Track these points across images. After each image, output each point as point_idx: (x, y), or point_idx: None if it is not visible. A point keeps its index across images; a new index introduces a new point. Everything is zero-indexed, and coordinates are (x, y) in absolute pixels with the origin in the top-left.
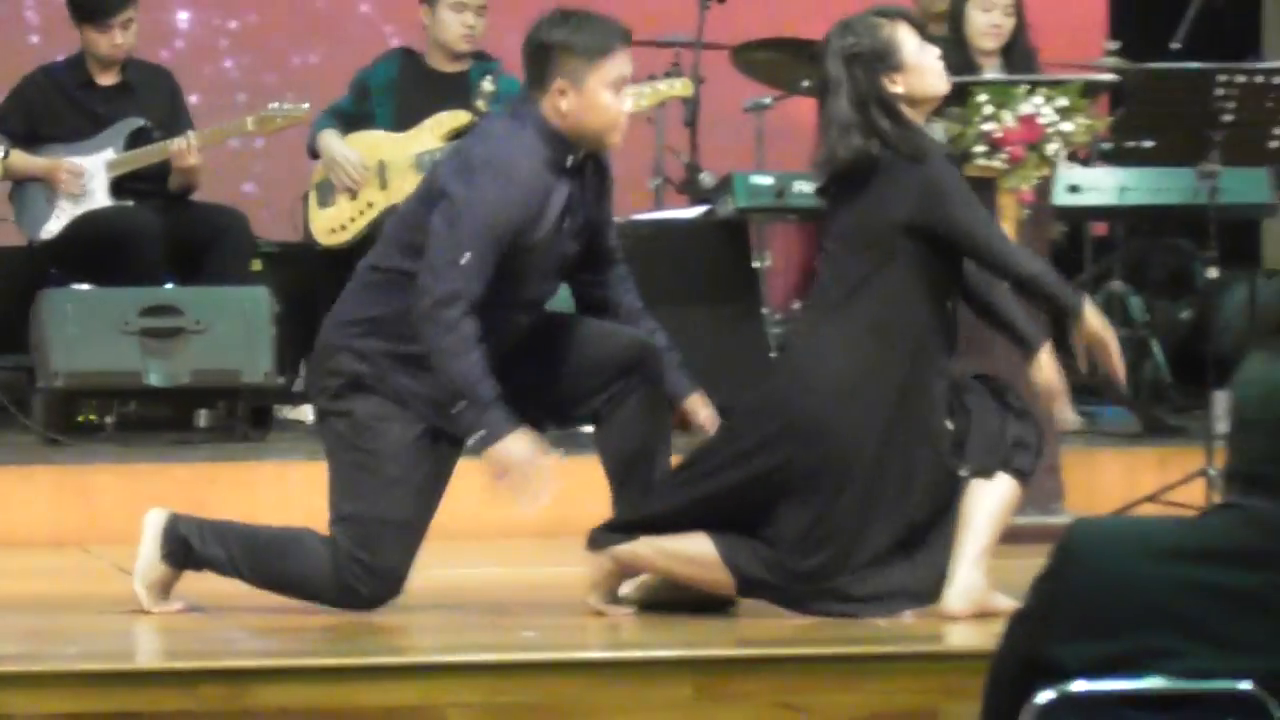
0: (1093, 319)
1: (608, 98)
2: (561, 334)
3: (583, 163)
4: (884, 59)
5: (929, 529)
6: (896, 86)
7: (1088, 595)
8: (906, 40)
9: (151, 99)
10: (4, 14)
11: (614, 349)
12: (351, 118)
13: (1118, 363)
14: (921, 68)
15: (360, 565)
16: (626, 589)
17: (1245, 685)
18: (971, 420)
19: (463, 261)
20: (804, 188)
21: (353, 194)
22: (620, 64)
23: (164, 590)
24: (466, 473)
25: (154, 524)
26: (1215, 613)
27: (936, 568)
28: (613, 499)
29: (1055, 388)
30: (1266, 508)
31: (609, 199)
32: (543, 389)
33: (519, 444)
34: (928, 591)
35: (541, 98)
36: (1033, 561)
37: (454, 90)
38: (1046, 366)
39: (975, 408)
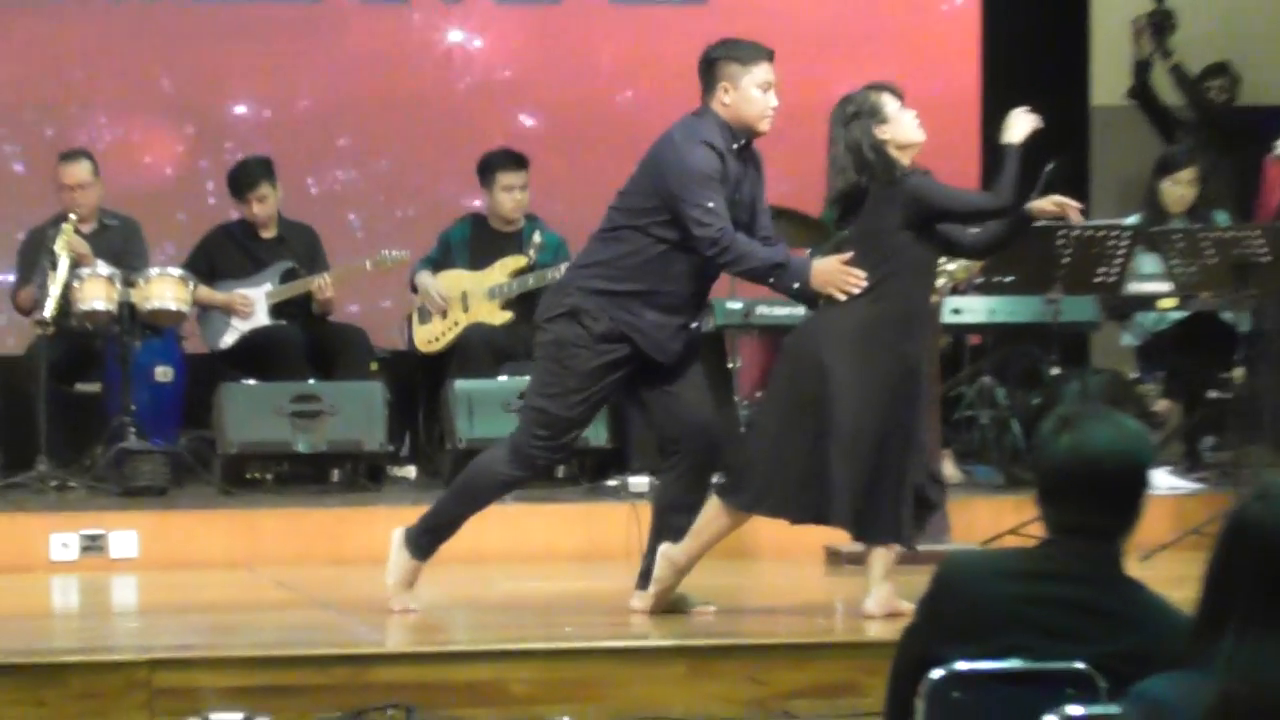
0: (1040, 203)
1: (757, 94)
2: (685, 376)
3: (745, 150)
4: (874, 114)
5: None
6: (884, 135)
7: (959, 610)
8: (889, 102)
9: (299, 247)
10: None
11: (701, 418)
12: (438, 263)
13: (1071, 206)
14: (900, 120)
15: (541, 440)
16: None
17: (1079, 665)
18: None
19: (710, 205)
20: (764, 310)
21: (444, 315)
22: (765, 71)
23: (410, 585)
24: (524, 514)
25: (397, 536)
26: (1054, 616)
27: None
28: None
29: (1060, 201)
30: (1082, 545)
31: (763, 186)
32: (647, 397)
33: (821, 266)
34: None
35: (711, 99)
36: (925, 577)
37: (512, 243)
38: (1038, 202)
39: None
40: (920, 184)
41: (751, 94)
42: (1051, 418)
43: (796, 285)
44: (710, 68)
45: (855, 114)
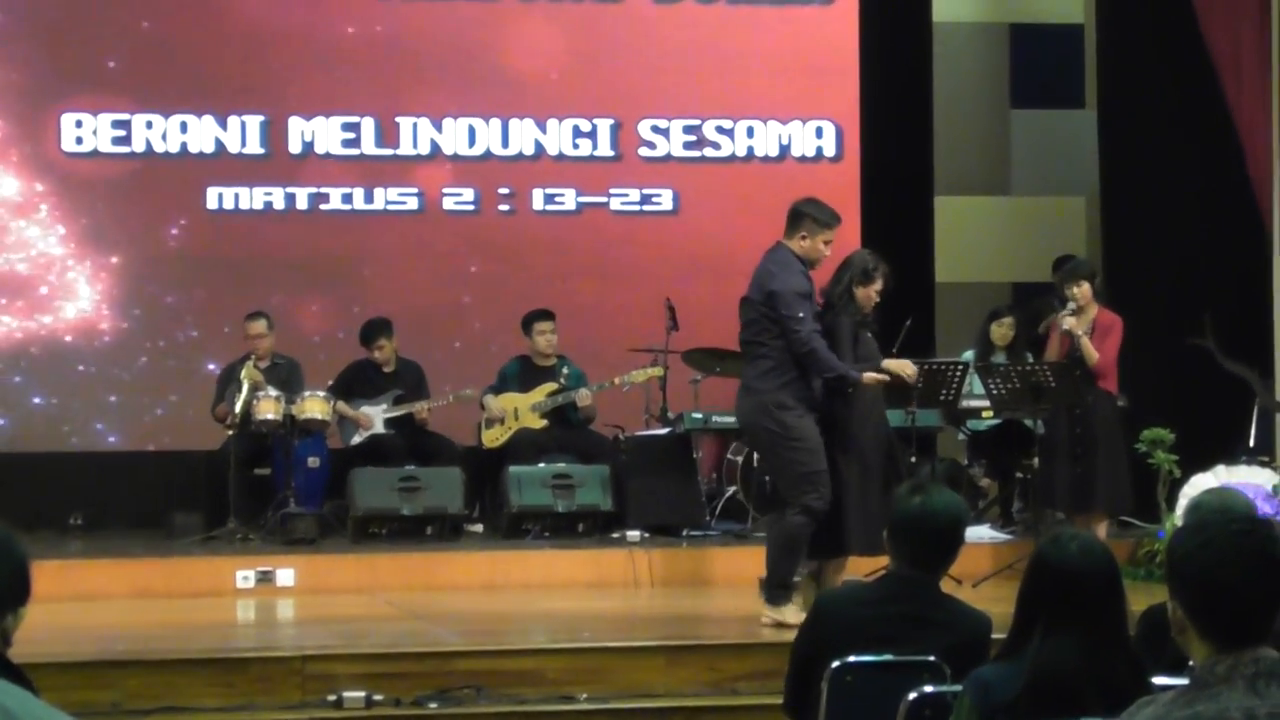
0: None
1: (822, 246)
2: None
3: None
4: (865, 276)
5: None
6: (858, 290)
7: (832, 629)
8: (875, 285)
9: (409, 379)
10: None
11: None
12: (498, 390)
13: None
14: (869, 293)
15: (812, 492)
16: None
17: (931, 658)
18: None
19: (801, 315)
20: (718, 419)
21: (502, 423)
22: (830, 234)
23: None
24: (555, 557)
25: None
26: (898, 627)
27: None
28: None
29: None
30: (912, 575)
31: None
32: None
33: (866, 374)
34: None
35: (790, 238)
36: None
37: (548, 374)
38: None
39: None
40: (838, 326)
41: (820, 246)
42: (906, 486)
43: (849, 386)
44: (797, 216)
45: (861, 269)
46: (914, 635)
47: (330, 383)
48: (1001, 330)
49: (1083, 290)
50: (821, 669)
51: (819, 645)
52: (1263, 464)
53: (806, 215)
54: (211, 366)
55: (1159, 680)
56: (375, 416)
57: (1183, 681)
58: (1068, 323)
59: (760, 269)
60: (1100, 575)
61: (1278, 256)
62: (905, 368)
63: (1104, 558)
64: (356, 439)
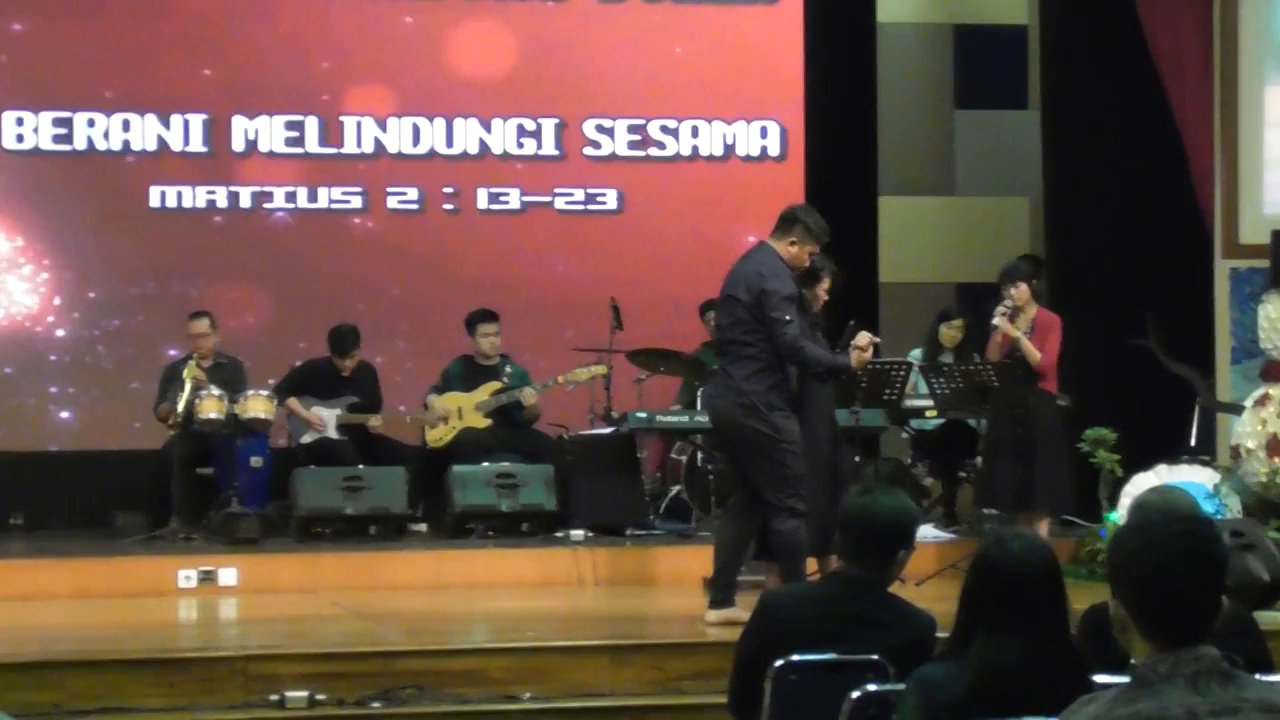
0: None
1: (807, 257)
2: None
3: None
4: (812, 277)
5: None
6: (805, 290)
7: (777, 628)
8: (822, 285)
9: (364, 384)
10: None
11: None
12: (442, 389)
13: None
14: (817, 293)
15: (796, 495)
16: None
17: (874, 656)
18: None
19: (788, 318)
20: (663, 418)
21: (446, 422)
22: (818, 248)
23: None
24: (499, 556)
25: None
26: (843, 627)
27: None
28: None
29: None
30: (858, 574)
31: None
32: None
33: (850, 358)
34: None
35: (777, 239)
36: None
37: (491, 373)
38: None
39: None
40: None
41: (804, 254)
42: (856, 487)
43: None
44: (791, 220)
45: (810, 272)
46: (859, 635)
47: (274, 381)
48: (951, 332)
49: (1020, 291)
50: (766, 668)
51: (764, 644)
52: (1204, 463)
53: (801, 222)
54: (157, 365)
55: (1101, 678)
56: (328, 420)
57: (1125, 680)
58: (998, 322)
59: (747, 269)
60: (1042, 574)
61: (1219, 257)
62: (864, 338)
63: (1046, 557)
64: (306, 438)
